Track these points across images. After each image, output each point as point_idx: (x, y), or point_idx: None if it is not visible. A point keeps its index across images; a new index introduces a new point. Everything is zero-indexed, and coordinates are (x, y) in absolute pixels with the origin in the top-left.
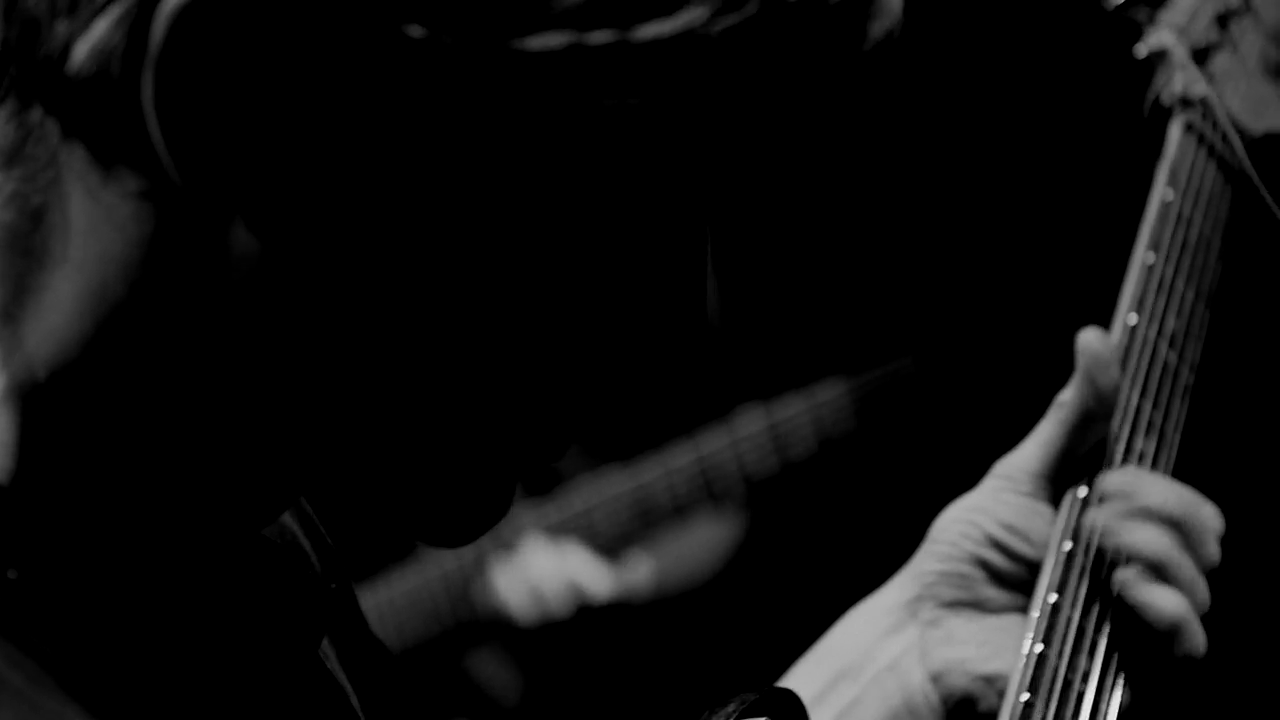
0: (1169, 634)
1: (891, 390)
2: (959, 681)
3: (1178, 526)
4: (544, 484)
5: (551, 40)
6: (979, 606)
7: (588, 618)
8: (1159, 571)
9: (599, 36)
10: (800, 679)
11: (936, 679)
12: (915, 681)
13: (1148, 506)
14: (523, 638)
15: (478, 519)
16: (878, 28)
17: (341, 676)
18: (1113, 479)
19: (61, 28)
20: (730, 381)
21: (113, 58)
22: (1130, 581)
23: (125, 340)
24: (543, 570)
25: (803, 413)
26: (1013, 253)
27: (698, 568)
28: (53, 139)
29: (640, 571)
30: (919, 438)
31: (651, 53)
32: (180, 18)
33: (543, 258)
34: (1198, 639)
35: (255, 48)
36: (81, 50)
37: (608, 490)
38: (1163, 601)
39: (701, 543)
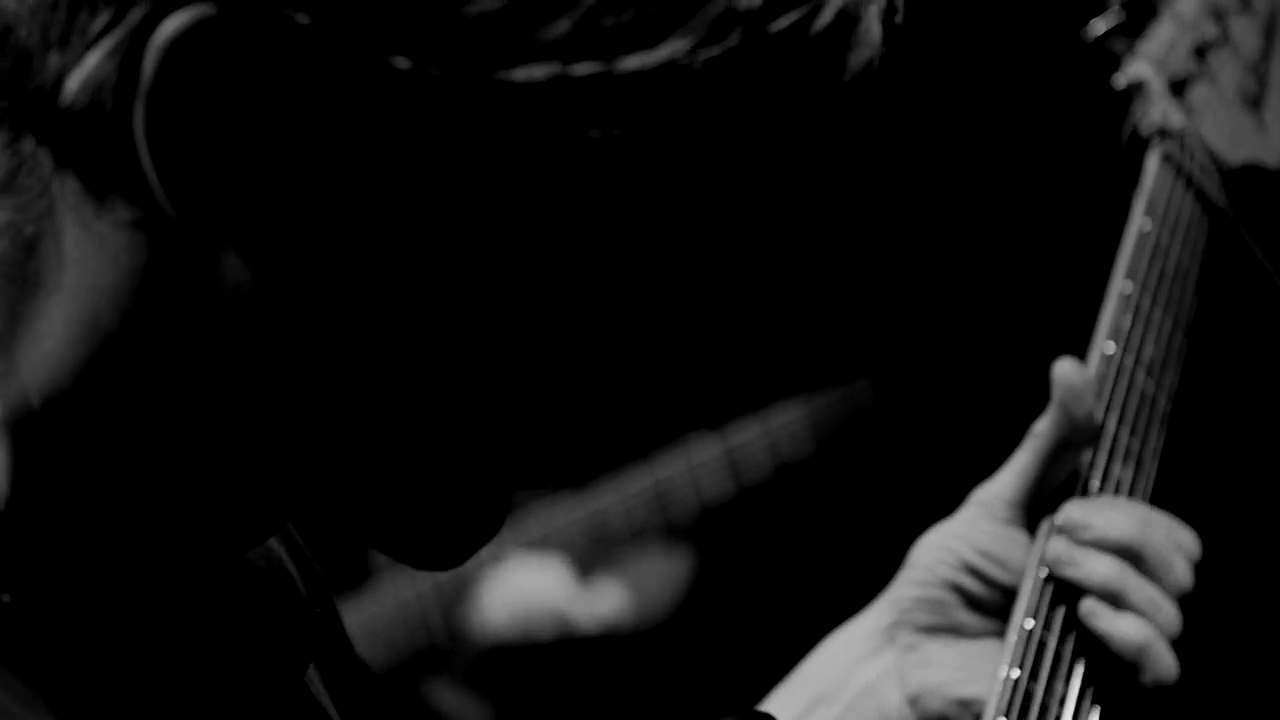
0: (1134, 661)
1: (849, 414)
2: (936, 705)
3: (1131, 553)
4: None
5: (536, 72)
6: (955, 632)
7: (562, 646)
8: (1115, 599)
9: (583, 68)
10: (778, 704)
11: (914, 702)
12: (892, 705)
13: (1100, 536)
14: (481, 665)
15: (467, 541)
16: (857, 58)
17: (326, 701)
18: (1066, 512)
19: (54, 60)
20: (685, 406)
21: (104, 90)
22: (1091, 612)
23: (117, 369)
24: (523, 591)
25: (758, 437)
26: (989, 280)
27: (658, 604)
28: (45, 169)
29: (610, 599)
30: (877, 462)
31: (635, 84)
32: (171, 51)
33: (526, 282)
34: (1165, 664)
35: (245, 80)
36: (74, 82)
37: (563, 517)
38: (1123, 630)
39: (661, 579)
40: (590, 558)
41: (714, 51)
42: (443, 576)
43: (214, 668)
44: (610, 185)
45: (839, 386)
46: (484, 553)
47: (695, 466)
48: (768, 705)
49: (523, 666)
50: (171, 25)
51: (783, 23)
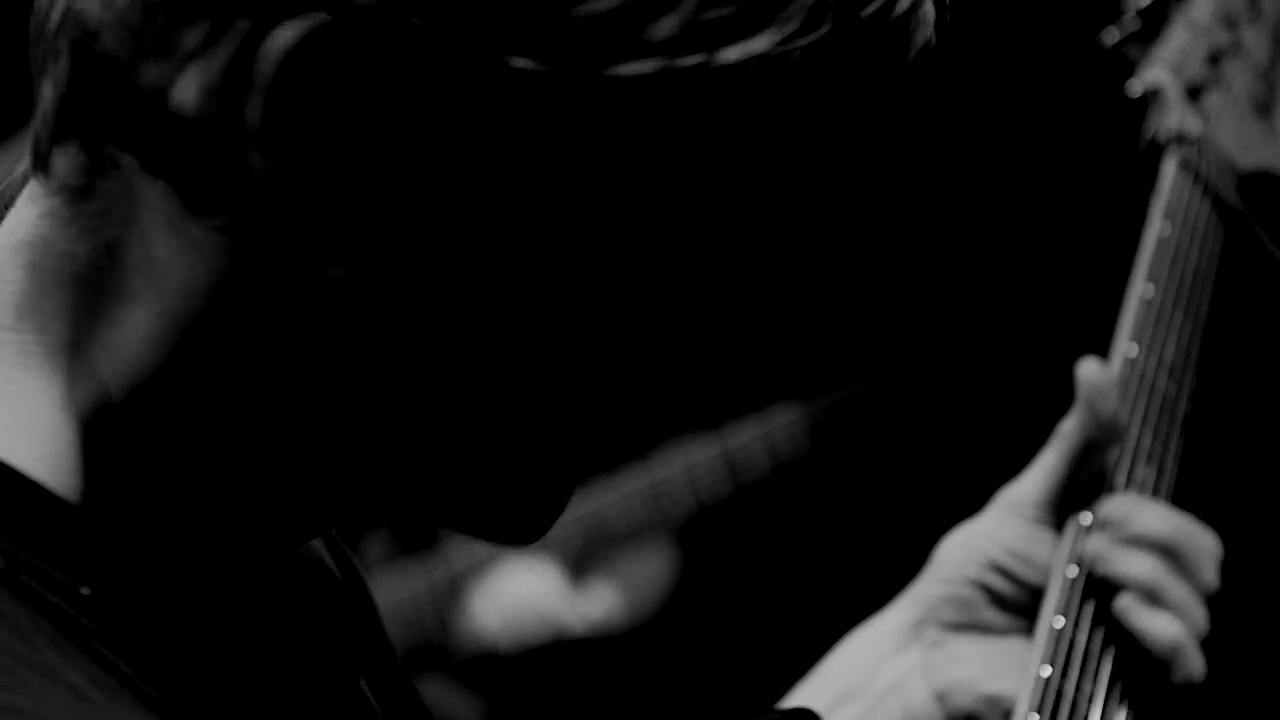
0: (1167, 659)
1: (846, 415)
2: (964, 701)
3: (1170, 552)
4: None
5: (644, 66)
6: (981, 629)
7: (558, 645)
8: (1153, 597)
9: (687, 61)
10: (801, 700)
11: (942, 698)
12: (919, 700)
13: (1140, 533)
14: (477, 664)
15: (541, 516)
16: (920, 37)
17: (367, 689)
18: (1107, 507)
19: (151, 69)
20: (684, 403)
21: (215, 97)
22: (1127, 608)
23: (203, 367)
24: (518, 595)
25: (756, 438)
26: (1006, 286)
27: (647, 601)
28: (129, 174)
29: (602, 601)
30: (876, 463)
31: (736, 74)
32: (288, 59)
33: (620, 269)
34: (1195, 663)
35: (362, 84)
36: (184, 90)
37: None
38: (1159, 627)
39: (650, 577)
40: (586, 557)
41: (809, 39)
42: (436, 577)
43: (278, 658)
44: (706, 178)
45: (837, 389)
46: (476, 556)
47: (693, 465)
48: (792, 700)
49: (517, 665)
50: (288, 33)
51: (871, 7)
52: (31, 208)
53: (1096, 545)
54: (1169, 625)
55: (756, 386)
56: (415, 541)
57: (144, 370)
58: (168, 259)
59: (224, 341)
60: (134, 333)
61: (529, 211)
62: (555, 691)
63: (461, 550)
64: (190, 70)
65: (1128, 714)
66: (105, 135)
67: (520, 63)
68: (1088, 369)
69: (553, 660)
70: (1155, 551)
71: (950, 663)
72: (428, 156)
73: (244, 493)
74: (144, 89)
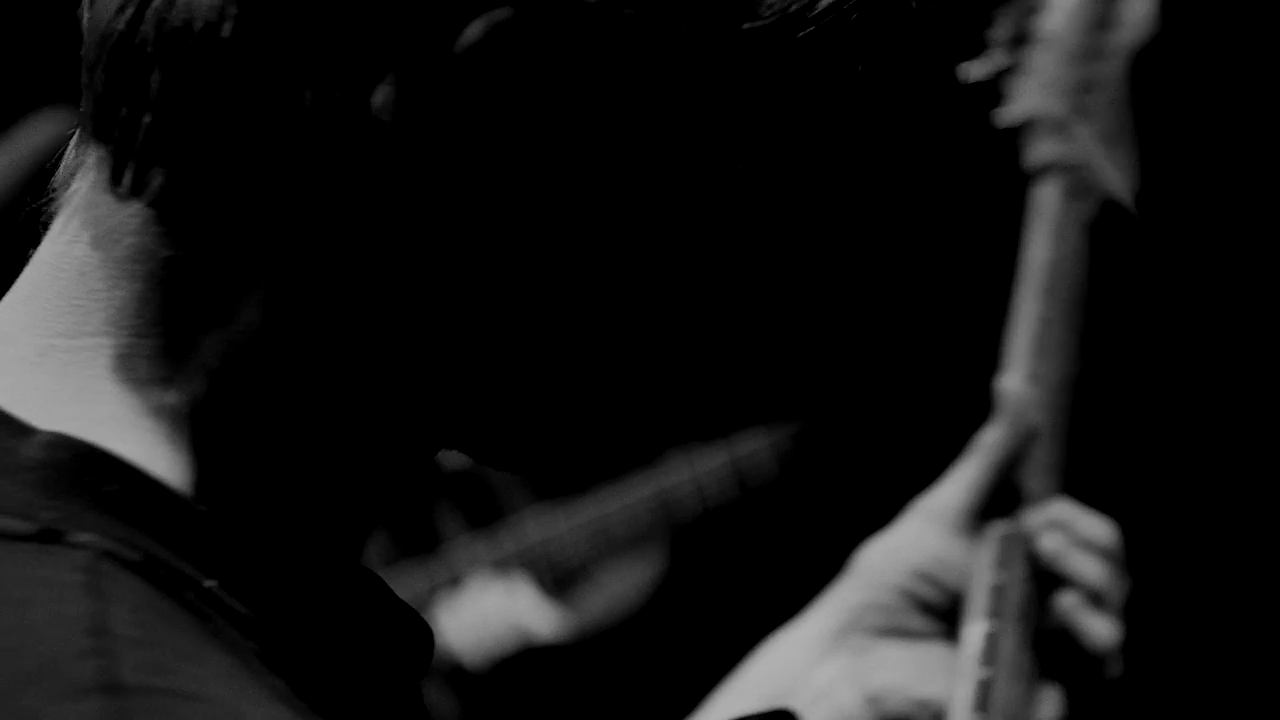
0: (1099, 658)
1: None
2: (897, 704)
3: (1112, 559)
4: (496, 515)
5: (767, 17)
6: (905, 634)
7: (534, 655)
8: (1098, 600)
9: (796, 5)
10: (726, 706)
11: (873, 702)
12: (850, 706)
13: (1089, 538)
14: (466, 672)
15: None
16: None
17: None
18: (1055, 509)
19: (310, 92)
20: (692, 411)
21: (399, 101)
22: (1074, 607)
23: (317, 356)
24: (488, 610)
25: (761, 448)
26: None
27: (626, 603)
28: (243, 179)
29: (591, 607)
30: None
31: (834, 15)
32: (479, 53)
33: (730, 219)
34: (1118, 664)
35: (549, 70)
36: (379, 97)
37: (564, 522)
38: (1100, 628)
39: (630, 578)
40: (590, 563)
41: None
42: (436, 580)
43: (380, 652)
44: (808, 122)
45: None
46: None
47: (699, 473)
48: (714, 708)
49: (496, 674)
50: (475, 30)
51: None
52: (107, 220)
53: (1056, 543)
54: (1108, 628)
55: (760, 397)
56: (413, 544)
57: (254, 364)
58: (289, 258)
59: (339, 329)
60: (248, 331)
61: (674, 167)
62: (534, 697)
63: (454, 557)
64: (367, 82)
65: (1061, 711)
66: (218, 147)
67: (682, 27)
68: (1010, 384)
69: (533, 666)
70: (1103, 557)
71: (879, 668)
72: (603, 129)
73: (344, 479)
74: (295, 102)
